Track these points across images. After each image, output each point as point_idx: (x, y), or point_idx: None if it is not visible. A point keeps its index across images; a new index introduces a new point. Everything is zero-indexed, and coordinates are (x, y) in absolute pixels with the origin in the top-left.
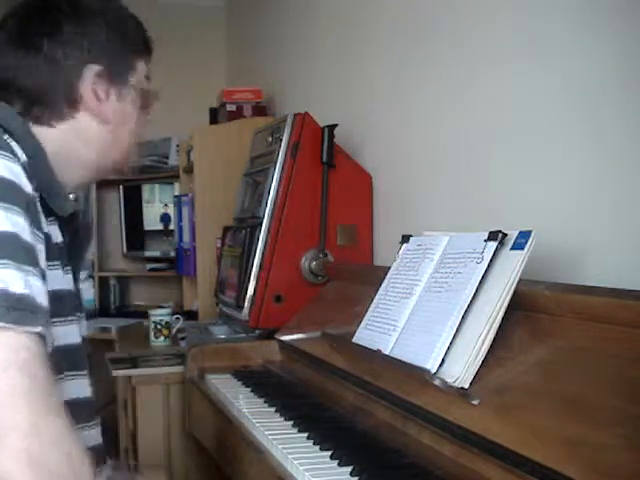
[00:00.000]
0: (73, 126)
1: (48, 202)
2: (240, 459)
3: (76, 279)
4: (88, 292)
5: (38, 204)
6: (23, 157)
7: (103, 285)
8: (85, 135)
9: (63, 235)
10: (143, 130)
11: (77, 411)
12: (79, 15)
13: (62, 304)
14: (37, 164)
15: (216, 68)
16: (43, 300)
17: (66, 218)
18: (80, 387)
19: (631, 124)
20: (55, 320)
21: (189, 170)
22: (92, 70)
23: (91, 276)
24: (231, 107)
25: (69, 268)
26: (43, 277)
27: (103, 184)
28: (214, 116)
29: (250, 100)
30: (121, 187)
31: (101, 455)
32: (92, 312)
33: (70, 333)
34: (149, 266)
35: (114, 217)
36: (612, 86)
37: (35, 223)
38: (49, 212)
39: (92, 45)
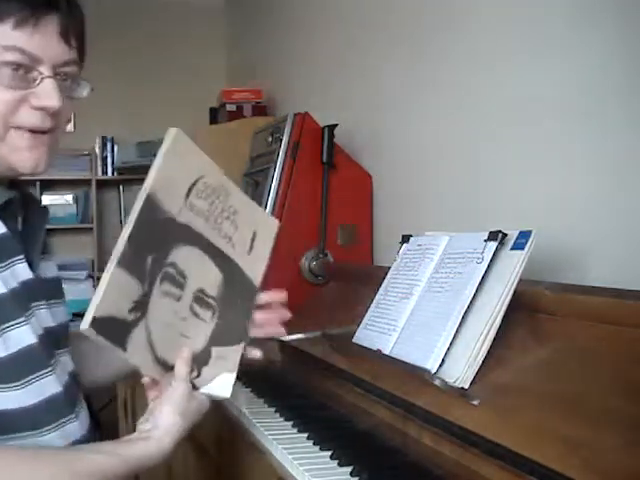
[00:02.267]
0: None
1: None
2: (240, 459)
3: (32, 265)
4: (87, 292)
5: None
6: None
7: None
8: None
9: (7, 225)
10: (21, 115)
11: (53, 408)
12: None
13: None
14: None
15: (216, 68)
16: None
17: (5, 208)
18: (49, 384)
19: (631, 124)
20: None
21: None
22: None
23: (91, 276)
24: (231, 107)
25: (19, 259)
26: None
27: (103, 184)
28: (214, 116)
29: (250, 100)
30: (121, 187)
31: None
32: None
33: (23, 335)
34: None
35: (114, 217)
36: (612, 86)
37: None
38: None
39: None
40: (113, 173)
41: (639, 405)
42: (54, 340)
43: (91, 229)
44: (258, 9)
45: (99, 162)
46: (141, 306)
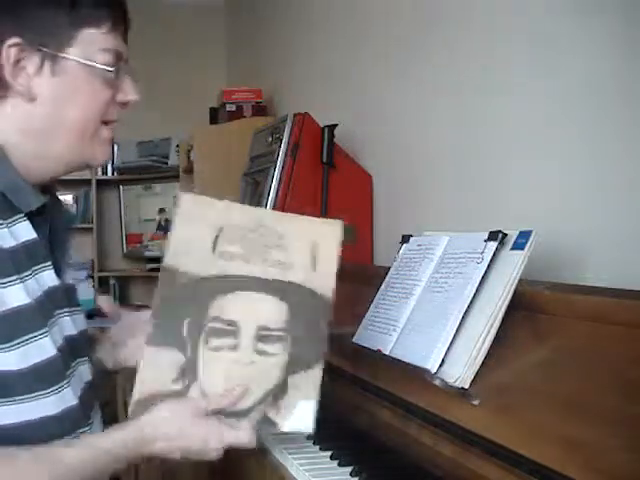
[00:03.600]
0: (7, 111)
1: (10, 199)
2: (240, 459)
3: (59, 273)
4: (87, 292)
5: None
6: None
7: (103, 285)
8: (19, 118)
9: (37, 231)
10: (111, 111)
11: (69, 420)
12: None
13: (23, 322)
14: None
15: (216, 68)
16: None
17: (40, 212)
18: (66, 396)
19: (631, 124)
20: (6, 345)
21: (189, 170)
22: (7, 44)
23: (91, 276)
24: (231, 107)
25: (46, 265)
26: None
27: (103, 184)
28: (214, 116)
29: (250, 100)
30: (121, 187)
31: None
32: (91, 312)
33: (45, 347)
34: (149, 266)
35: (114, 217)
36: (612, 87)
37: None
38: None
39: (14, 18)
40: (113, 173)
41: (639, 405)
42: (74, 349)
43: (91, 229)
44: (258, 9)
45: None
46: (190, 372)
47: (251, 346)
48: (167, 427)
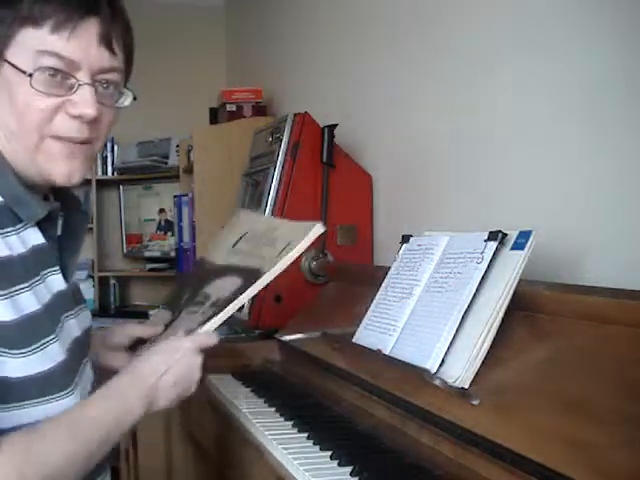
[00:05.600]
0: None
1: (15, 210)
2: (240, 459)
3: (67, 276)
4: (87, 292)
5: None
6: None
7: (103, 285)
8: None
9: (46, 236)
10: (60, 124)
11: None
12: None
13: (35, 328)
14: None
15: (216, 68)
16: None
17: (48, 218)
18: (73, 401)
19: (631, 123)
20: (22, 351)
21: (189, 170)
22: None
23: (91, 276)
24: (231, 107)
25: (54, 270)
26: None
27: (103, 184)
28: (214, 116)
29: (250, 100)
30: (121, 187)
31: None
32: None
33: (54, 352)
34: (149, 266)
35: (114, 217)
36: (613, 85)
37: None
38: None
39: None
40: (113, 173)
41: (639, 405)
42: (81, 350)
43: (91, 229)
44: (258, 9)
45: (99, 162)
46: (166, 327)
47: (201, 312)
48: (154, 358)
